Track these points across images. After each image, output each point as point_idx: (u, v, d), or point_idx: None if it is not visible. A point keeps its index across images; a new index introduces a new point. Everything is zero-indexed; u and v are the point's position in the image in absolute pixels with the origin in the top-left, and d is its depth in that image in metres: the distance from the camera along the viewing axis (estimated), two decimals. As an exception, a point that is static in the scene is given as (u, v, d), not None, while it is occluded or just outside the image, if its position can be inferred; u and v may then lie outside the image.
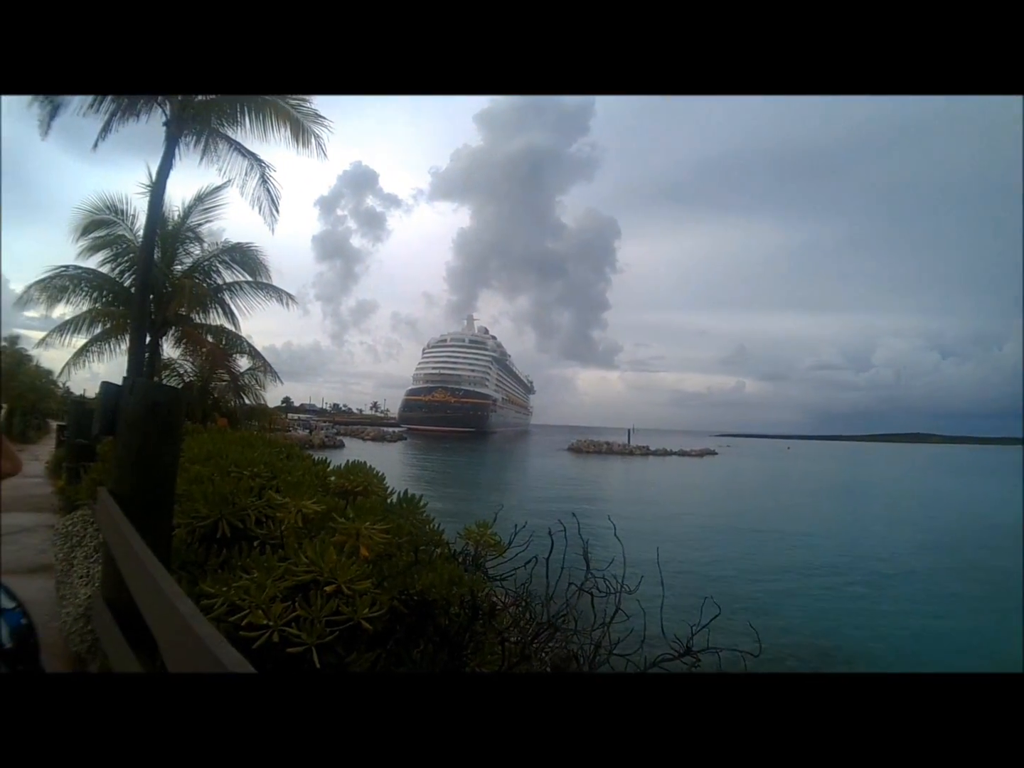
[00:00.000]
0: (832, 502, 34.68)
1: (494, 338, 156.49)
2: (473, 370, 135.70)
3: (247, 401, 15.67)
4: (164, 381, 13.34)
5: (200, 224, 14.72)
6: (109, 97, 10.20)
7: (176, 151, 11.18)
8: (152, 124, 10.97)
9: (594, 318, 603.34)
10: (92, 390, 20.29)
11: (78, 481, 6.69)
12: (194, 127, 11.42)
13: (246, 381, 15.61)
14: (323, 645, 2.00)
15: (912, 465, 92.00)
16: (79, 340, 13.96)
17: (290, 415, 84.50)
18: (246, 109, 11.40)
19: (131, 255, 13.54)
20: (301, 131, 11.63)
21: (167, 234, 13.99)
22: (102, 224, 13.61)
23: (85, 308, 13.73)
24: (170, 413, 2.58)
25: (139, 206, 13.36)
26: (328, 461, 3.98)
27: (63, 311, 13.80)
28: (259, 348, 16.35)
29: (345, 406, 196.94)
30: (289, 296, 15.47)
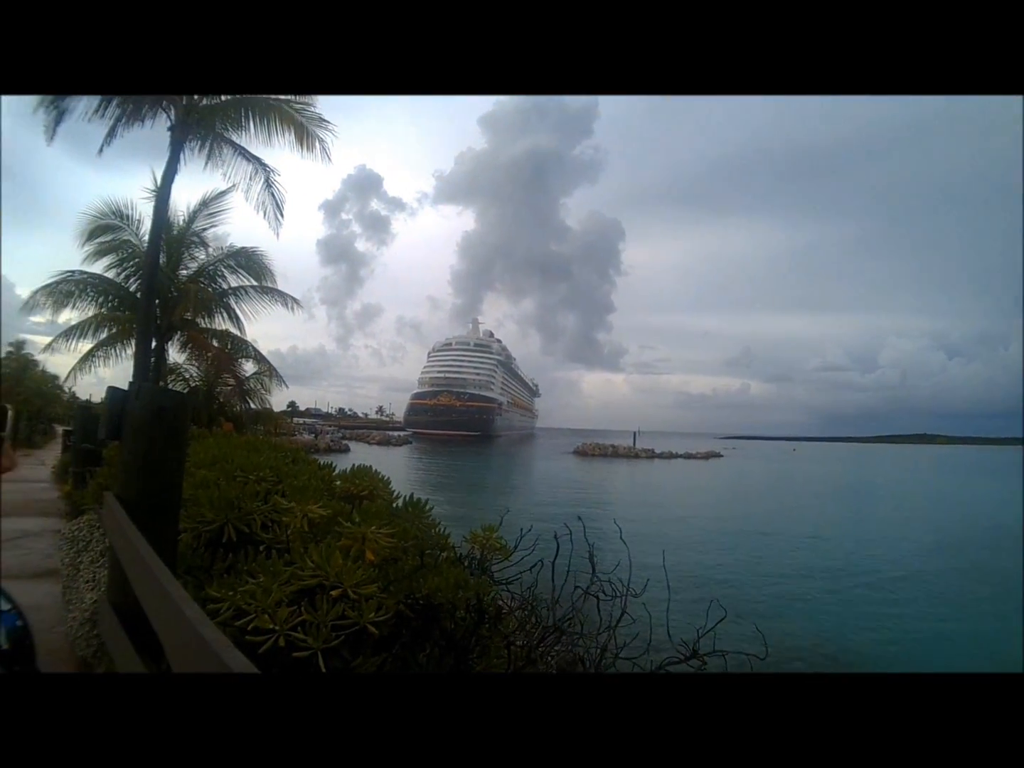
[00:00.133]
0: (838, 504, 34.54)
1: (499, 341, 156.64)
2: (478, 373, 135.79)
3: (252, 405, 15.74)
4: (170, 386, 13.38)
5: (205, 229, 14.76)
6: (114, 102, 10.24)
7: (181, 156, 11.21)
8: (157, 129, 11.02)
9: (599, 321, 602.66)
10: (98, 395, 20.36)
11: (84, 486, 6.72)
12: (199, 132, 11.45)
13: (251, 385, 15.67)
14: (329, 649, 2.00)
15: (918, 466, 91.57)
16: (85, 345, 14.03)
17: (295, 419, 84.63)
18: (250, 113, 11.42)
19: (136, 260, 13.56)
20: (305, 135, 11.65)
21: (172, 239, 14.04)
22: (108, 229, 13.64)
23: (91, 313, 13.77)
24: (176, 418, 2.59)
25: (144, 211, 13.42)
26: (334, 465, 3.98)
27: (69, 316, 13.86)
28: (264, 352, 16.45)
29: (350, 410, 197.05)
30: (294, 300, 15.51)
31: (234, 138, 11.88)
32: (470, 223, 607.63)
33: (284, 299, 15.27)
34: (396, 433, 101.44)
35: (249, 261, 14.86)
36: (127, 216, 13.73)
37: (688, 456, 78.65)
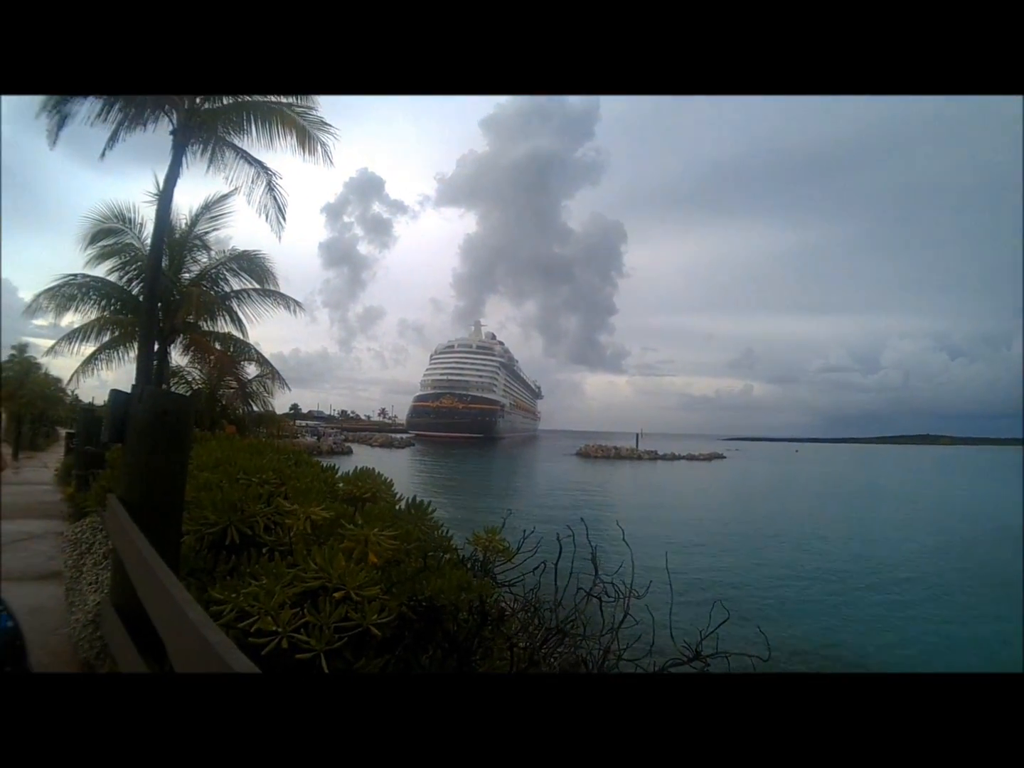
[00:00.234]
0: (841, 505, 34.42)
1: (501, 343, 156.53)
2: (481, 376, 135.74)
3: (255, 408, 15.76)
4: (172, 389, 13.42)
5: (207, 232, 14.80)
6: (116, 106, 10.27)
7: (183, 159, 11.23)
8: (159, 133, 11.04)
9: (601, 322, 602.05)
10: (101, 398, 20.39)
11: (87, 488, 6.74)
12: (201, 135, 11.46)
13: (254, 388, 15.70)
14: (332, 651, 2.00)
15: (921, 467, 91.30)
16: (88, 348, 14.06)
17: (298, 422, 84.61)
18: (252, 117, 11.43)
19: (139, 263, 13.60)
20: (307, 138, 11.65)
21: (175, 242, 14.10)
22: (110, 233, 13.68)
23: (93, 316, 13.80)
24: (179, 421, 2.59)
25: (147, 214, 13.45)
26: (336, 467, 3.99)
27: (72, 319, 13.87)
28: (267, 355, 16.49)
29: (353, 412, 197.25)
30: (296, 303, 15.54)
31: (236, 141, 11.90)
32: (472, 226, 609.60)
33: (286, 302, 15.32)
34: (399, 435, 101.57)
35: (251, 264, 14.89)
36: (129, 220, 13.77)
37: (691, 458, 78.44)
